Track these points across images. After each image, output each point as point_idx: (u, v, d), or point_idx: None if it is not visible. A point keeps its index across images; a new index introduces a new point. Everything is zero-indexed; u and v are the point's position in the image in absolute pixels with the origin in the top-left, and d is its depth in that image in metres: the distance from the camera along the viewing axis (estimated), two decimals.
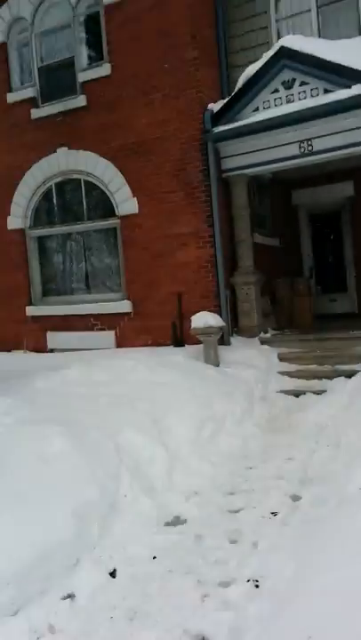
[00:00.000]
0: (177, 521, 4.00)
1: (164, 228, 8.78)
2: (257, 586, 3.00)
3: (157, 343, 8.73)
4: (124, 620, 2.84)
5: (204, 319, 7.55)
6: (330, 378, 7.21)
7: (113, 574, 3.30)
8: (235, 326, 8.74)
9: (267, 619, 2.57)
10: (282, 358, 7.96)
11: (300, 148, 7.96)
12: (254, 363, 7.62)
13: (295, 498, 4.15)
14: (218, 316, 7.69)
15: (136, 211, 9.00)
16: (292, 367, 7.75)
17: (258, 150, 8.29)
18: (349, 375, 7.03)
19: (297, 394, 7.08)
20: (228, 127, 8.21)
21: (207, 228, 8.44)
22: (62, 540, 3.29)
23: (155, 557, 3.47)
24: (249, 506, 4.09)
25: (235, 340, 8.50)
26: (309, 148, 7.90)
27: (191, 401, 5.72)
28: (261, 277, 8.88)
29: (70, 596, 3.06)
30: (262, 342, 8.43)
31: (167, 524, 3.97)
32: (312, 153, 7.92)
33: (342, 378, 7.07)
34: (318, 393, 6.90)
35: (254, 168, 8.45)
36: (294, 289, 10.41)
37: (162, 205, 8.76)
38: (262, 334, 8.62)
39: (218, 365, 7.43)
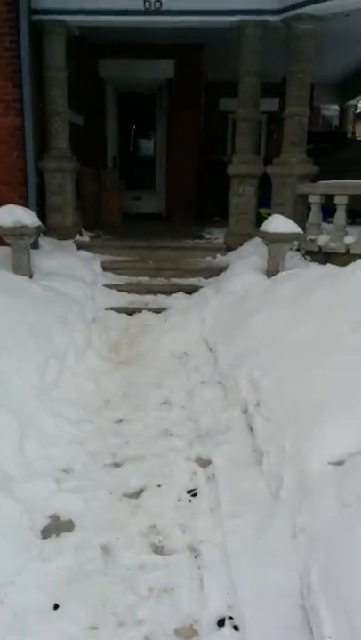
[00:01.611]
0: (58, 526, 2.71)
1: None
2: None
3: None
4: None
5: (14, 215, 5.63)
6: (167, 293, 6.33)
7: None
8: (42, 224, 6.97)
9: None
10: (106, 267, 6.70)
11: (145, 1, 6.20)
12: (77, 273, 6.18)
13: (205, 463, 3.26)
14: (33, 213, 5.85)
15: None
16: (121, 279, 6.58)
17: None
18: (189, 291, 6.27)
19: (131, 311, 6.03)
20: None
21: (13, 88, 6.22)
22: None
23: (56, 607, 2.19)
24: (151, 484, 3.02)
25: (44, 242, 6.81)
26: (157, 4, 6.21)
27: (25, 333, 4.15)
28: (78, 165, 7.17)
29: None
30: (79, 247, 6.96)
31: (46, 534, 2.64)
32: (160, 12, 6.28)
33: (182, 294, 6.28)
34: (157, 311, 5.97)
35: (79, 16, 6.42)
36: (101, 181, 8.95)
37: None
38: (78, 237, 7.12)
39: (31, 277, 5.77)
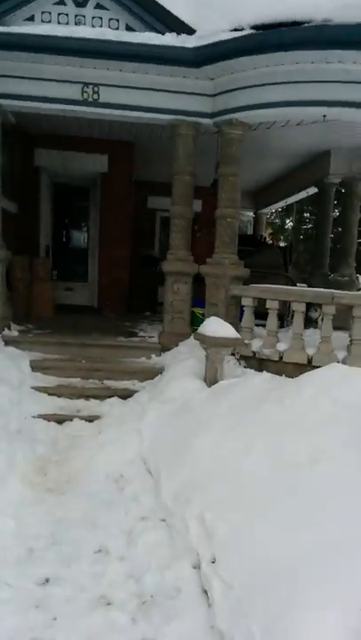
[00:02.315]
0: None
1: None
2: None
3: None
4: None
5: None
6: (100, 397, 5.81)
7: None
8: None
9: None
10: (35, 367, 6.09)
11: (83, 92, 6.17)
12: (2, 374, 5.54)
13: None
14: None
15: None
16: (51, 380, 5.99)
17: (24, 78, 6.09)
18: (124, 396, 5.79)
19: (61, 420, 5.41)
20: None
21: None
22: None
23: None
24: None
25: None
26: (95, 96, 6.19)
27: None
28: (9, 254, 6.73)
29: None
30: (7, 342, 6.35)
31: None
32: (97, 104, 6.24)
33: (116, 398, 5.78)
34: (90, 420, 5.40)
35: (16, 101, 6.24)
36: (33, 271, 8.51)
37: None
38: (6, 331, 6.52)
39: None
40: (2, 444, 4.27)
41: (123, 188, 9.55)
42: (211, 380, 5.32)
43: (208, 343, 5.22)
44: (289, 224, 22.48)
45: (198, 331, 5.40)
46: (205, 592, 2.90)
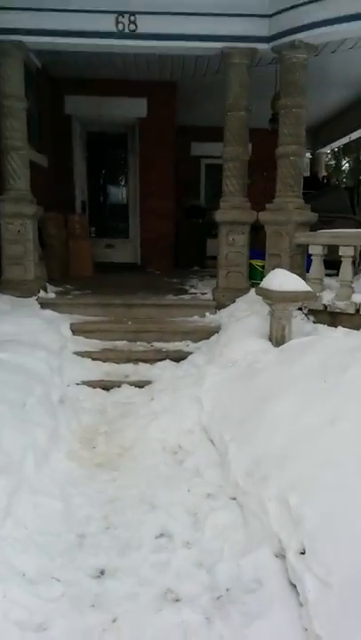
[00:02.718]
0: None
1: None
2: None
3: None
4: None
5: None
6: (150, 361, 5.26)
7: None
8: None
9: None
10: (76, 330, 5.58)
11: (117, 23, 5.40)
12: (40, 339, 5.04)
13: None
14: None
15: None
16: (95, 344, 5.47)
17: (47, 10, 5.36)
18: (177, 358, 5.22)
19: (108, 386, 4.92)
20: None
21: None
22: None
23: None
24: None
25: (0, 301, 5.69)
26: (131, 27, 5.41)
27: None
28: (40, 209, 6.16)
29: None
30: (43, 305, 5.85)
31: None
32: (134, 35, 5.46)
33: (168, 361, 5.22)
34: (140, 385, 4.88)
35: (39, 37, 5.52)
36: (69, 228, 7.97)
37: None
38: (42, 293, 6.02)
39: None
40: (43, 416, 3.78)
41: (164, 134, 8.77)
42: (278, 339, 4.66)
43: (274, 298, 4.53)
44: (345, 165, 20.62)
45: (261, 285, 4.72)
46: (293, 585, 2.33)
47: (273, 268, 5.77)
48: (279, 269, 4.80)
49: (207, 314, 5.94)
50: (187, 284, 7.25)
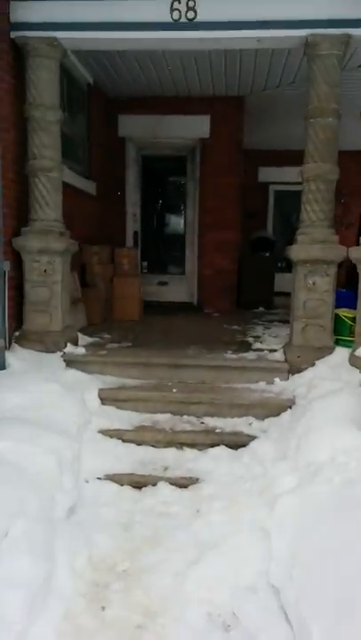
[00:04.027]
0: None
1: None
2: None
3: None
4: None
5: None
6: (199, 446, 3.91)
7: None
8: (16, 329, 4.80)
9: None
10: (106, 398, 4.30)
11: (172, 10, 4.28)
12: (54, 416, 3.78)
13: None
14: None
15: None
16: (128, 419, 4.17)
17: None
18: (234, 444, 3.85)
19: (140, 483, 3.61)
20: None
21: None
22: None
23: None
24: None
25: (16, 357, 4.55)
26: (189, 15, 4.27)
27: None
28: (74, 244, 5.05)
29: None
30: (69, 363, 4.65)
31: None
32: (193, 25, 4.32)
33: (222, 448, 3.84)
34: (183, 485, 3.55)
35: (74, 32, 4.47)
36: (115, 264, 6.86)
37: None
38: (69, 347, 4.84)
39: None
40: (28, 557, 2.48)
41: (228, 157, 7.57)
42: None
43: None
44: None
45: (360, 353, 3.27)
46: None
47: None
48: None
49: (277, 380, 4.52)
50: (250, 334, 5.87)
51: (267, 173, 9.91)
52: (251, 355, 4.85)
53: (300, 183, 4.70)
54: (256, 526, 2.86)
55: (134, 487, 3.59)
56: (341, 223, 4.67)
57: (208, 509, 3.20)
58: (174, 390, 4.34)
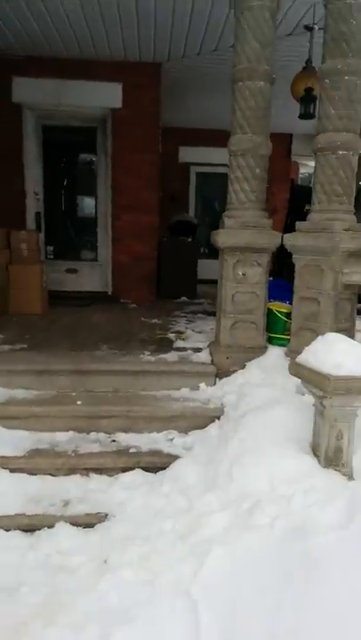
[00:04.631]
0: None
1: None
2: None
3: None
4: None
5: None
6: (109, 471, 3.21)
7: None
8: None
9: None
10: None
11: None
12: None
13: None
14: None
15: None
16: (18, 441, 3.35)
17: None
18: (153, 467, 3.20)
19: (32, 527, 2.86)
20: None
21: None
22: None
23: None
24: None
25: None
26: None
27: None
28: None
29: None
30: None
31: None
32: None
33: (138, 472, 3.17)
34: (88, 524, 2.87)
35: None
36: (12, 249, 5.93)
37: None
38: None
39: None
40: None
41: (145, 131, 6.79)
42: (329, 453, 2.67)
43: (330, 389, 2.51)
44: None
45: (303, 361, 2.70)
46: None
47: (305, 319, 3.79)
48: (332, 335, 2.78)
49: (202, 385, 3.89)
50: (171, 329, 5.21)
51: (188, 153, 9.25)
52: (172, 355, 4.17)
53: (225, 165, 4.07)
54: (180, 589, 2.21)
55: (25, 531, 2.84)
56: (266, 209, 4.16)
57: (119, 561, 2.51)
58: (79, 402, 3.57)
